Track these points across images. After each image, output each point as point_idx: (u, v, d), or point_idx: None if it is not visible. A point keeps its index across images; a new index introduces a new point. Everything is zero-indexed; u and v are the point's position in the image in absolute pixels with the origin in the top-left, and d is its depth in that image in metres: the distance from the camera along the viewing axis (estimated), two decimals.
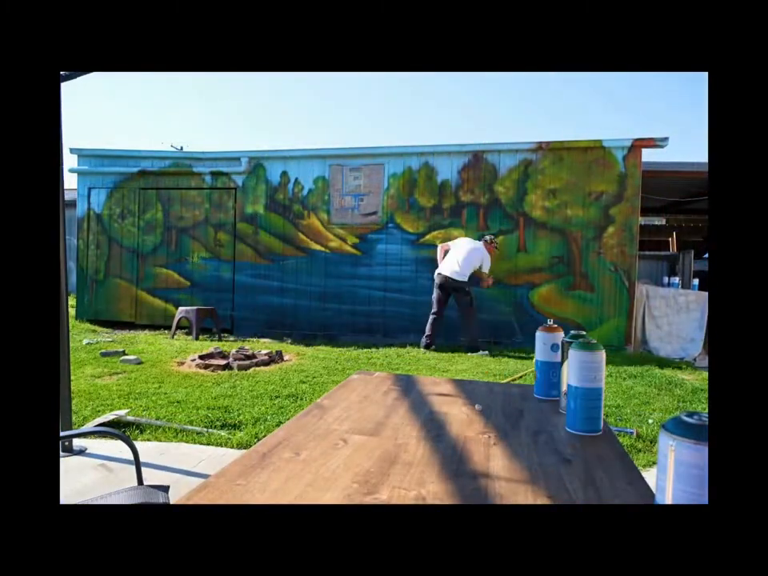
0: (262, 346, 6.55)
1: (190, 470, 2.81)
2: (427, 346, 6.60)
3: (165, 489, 1.60)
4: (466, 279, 6.53)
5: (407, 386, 1.66)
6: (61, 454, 2.95)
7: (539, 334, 1.51)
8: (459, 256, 6.56)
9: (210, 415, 3.65)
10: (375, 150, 7.45)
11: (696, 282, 7.31)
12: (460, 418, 1.34)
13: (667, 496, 0.65)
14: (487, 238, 6.85)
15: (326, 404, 1.43)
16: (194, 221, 8.03)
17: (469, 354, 6.43)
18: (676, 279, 7.49)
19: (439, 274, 6.65)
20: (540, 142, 6.93)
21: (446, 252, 6.80)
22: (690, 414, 0.65)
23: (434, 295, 6.73)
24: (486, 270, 6.72)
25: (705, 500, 0.62)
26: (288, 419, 1.92)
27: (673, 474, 0.64)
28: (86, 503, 1.47)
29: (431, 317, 6.70)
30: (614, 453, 1.10)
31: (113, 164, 8.29)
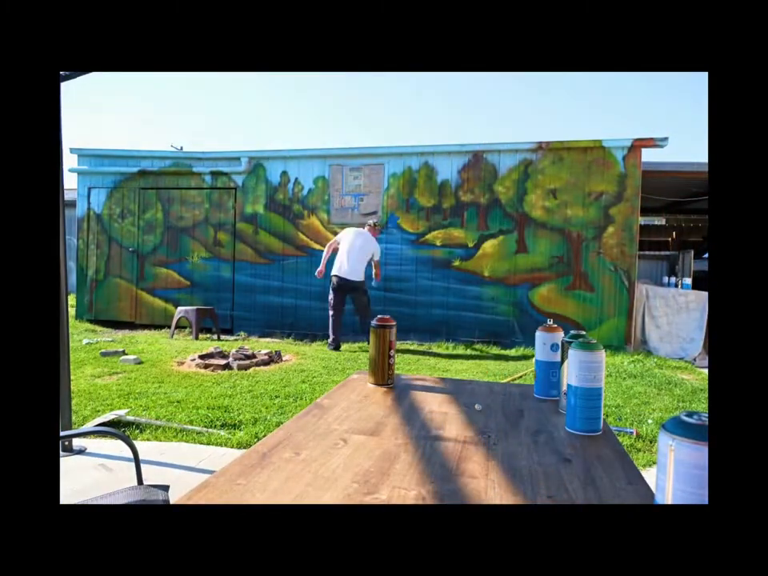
0: (262, 346, 6.55)
1: (190, 470, 2.81)
2: (337, 347, 6.51)
3: (165, 488, 1.60)
4: (362, 278, 6.46)
5: (407, 386, 1.66)
6: (61, 453, 2.95)
7: (539, 334, 1.51)
8: (352, 253, 6.40)
9: (209, 415, 3.66)
10: (375, 150, 7.45)
11: (688, 281, 7.31)
12: (460, 417, 1.34)
13: (667, 496, 0.65)
14: (370, 222, 6.76)
15: (325, 404, 1.43)
16: (194, 221, 8.03)
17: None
18: (687, 280, 7.48)
19: (335, 275, 6.44)
20: (540, 142, 6.93)
21: (335, 250, 6.59)
22: (690, 414, 0.64)
23: (331, 297, 6.54)
24: (377, 258, 6.64)
25: (705, 500, 0.62)
26: (288, 419, 1.92)
27: (673, 474, 0.64)
28: (85, 503, 1.47)
29: (331, 318, 6.55)
30: (614, 453, 1.10)
31: (113, 164, 8.28)
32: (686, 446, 0.62)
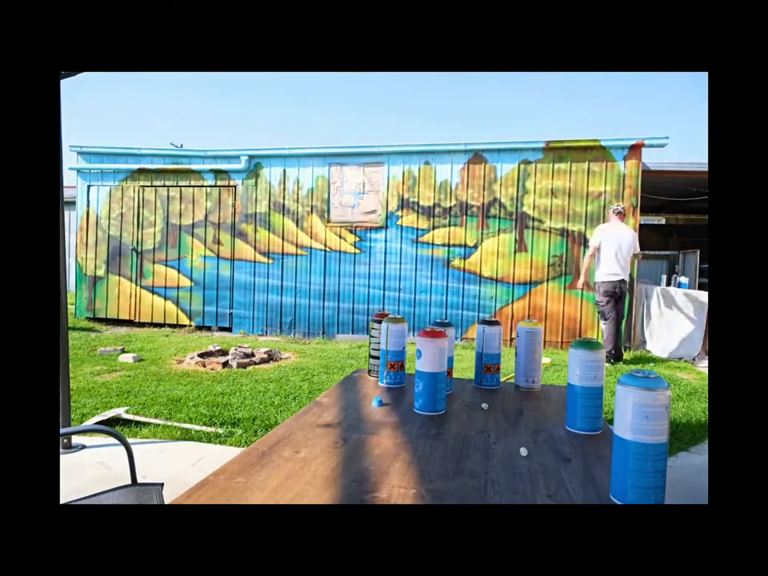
0: (262, 344, 6.55)
1: (189, 468, 2.81)
2: (618, 358, 5.71)
3: (159, 486, 1.61)
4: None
5: (406, 385, 1.66)
6: (60, 451, 2.95)
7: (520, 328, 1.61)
8: (620, 253, 5.60)
9: (209, 413, 3.66)
10: (375, 149, 7.44)
11: (685, 280, 7.32)
12: (459, 416, 1.34)
13: (626, 430, 0.84)
14: (618, 209, 5.84)
15: (325, 402, 1.44)
16: (194, 219, 8.03)
17: (614, 364, 5.65)
18: (684, 279, 7.50)
19: (611, 281, 5.61)
20: (548, 141, 6.92)
21: (597, 250, 5.78)
22: (638, 371, 0.86)
23: (605, 304, 5.66)
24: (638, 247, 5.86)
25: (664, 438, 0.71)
26: (287, 417, 1.92)
27: (630, 412, 0.83)
28: (77, 502, 1.47)
29: (611, 325, 5.68)
30: None
31: (113, 161, 8.27)
32: (638, 392, 0.82)
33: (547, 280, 6.99)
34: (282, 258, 7.76)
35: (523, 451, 1.09)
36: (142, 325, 8.09)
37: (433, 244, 7.27)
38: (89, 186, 8.36)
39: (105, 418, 3.42)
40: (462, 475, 0.96)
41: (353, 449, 1.08)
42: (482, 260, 7.17)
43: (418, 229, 7.33)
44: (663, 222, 12.12)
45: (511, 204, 7.08)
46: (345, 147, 7.53)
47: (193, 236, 8.04)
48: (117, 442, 1.61)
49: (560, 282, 6.96)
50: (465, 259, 7.21)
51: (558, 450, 1.11)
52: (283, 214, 7.74)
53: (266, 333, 7.70)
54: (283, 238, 7.75)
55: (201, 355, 5.53)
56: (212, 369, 5.13)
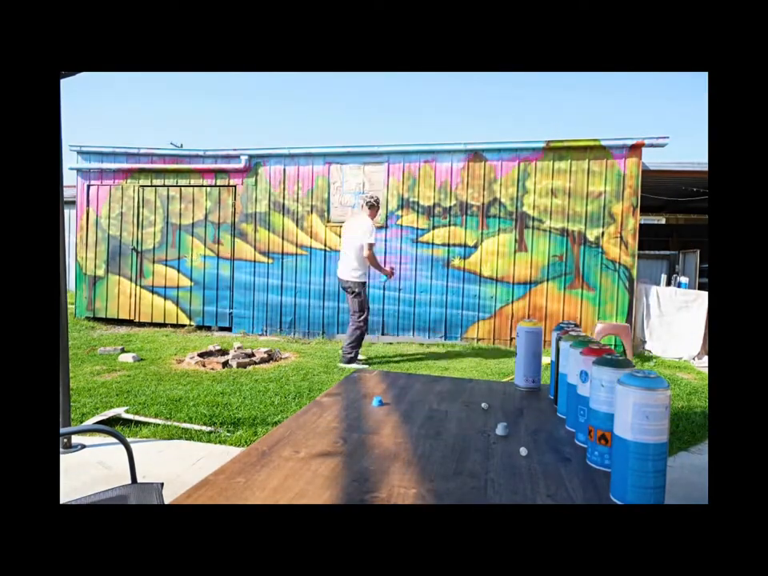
0: (262, 344, 6.55)
1: (189, 468, 2.81)
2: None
3: (159, 486, 1.61)
4: (357, 277, 5.44)
5: (406, 385, 1.67)
6: (60, 451, 2.95)
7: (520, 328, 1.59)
8: (346, 247, 5.47)
9: (209, 413, 3.66)
10: (376, 148, 7.44)
11: (685, 280, 7.33)
12: (459, 416, 1.34)
13: (626, 430, 0.83)
14: (366, 199, 5.54)
15: (325, 402, 1.44)
16: (194, 218, 8.02)
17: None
18: (683, 279, 7.50)
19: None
20: (548, 141, 6.92)
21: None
22: (638, 371, 0.87)
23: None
24: (367, 242, 5.32)
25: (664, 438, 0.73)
26: (287, 417, 1.92)
27: (630, 412, 0.83)
28: (77, 502, 1.47)
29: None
30: None
31: (112, 161, 8.27)
32: (639, 392, 0.82)
33: (547, 280, 6.99)
34: (282, 258, 7.76)
35: (523, 451, 1.09)
36: (141, 325, 8.09)
37: (433, 244, 7.27)
38: (89, 186, 8.36)
39: (105, 417, 3.42)
40: (462, 475, 0.96)
41: (353, 449, 1.08)
42: (482, 260, 7.16)
43: (417, 228, 7.33)
44: (663, 221, 12.11)
45: (511, 204, 7.07)
46: (345, 147, 7.53)
47: (193, 236, 8.03)
48: (117, 441, 1.61)
49: (560, 282, 6.96)
50: (465, 259, 7.21)
51: (558, 450, 1.11)
52: (283, 214, 7.74)
53: (266, 333, 7.70)
54: (283, 238, 7.75)
55: (201, 355, 5.53)
56: (212, 369, 5.13)
